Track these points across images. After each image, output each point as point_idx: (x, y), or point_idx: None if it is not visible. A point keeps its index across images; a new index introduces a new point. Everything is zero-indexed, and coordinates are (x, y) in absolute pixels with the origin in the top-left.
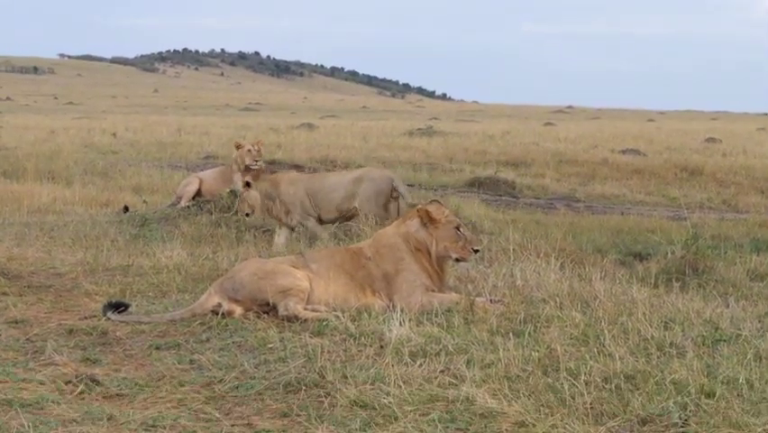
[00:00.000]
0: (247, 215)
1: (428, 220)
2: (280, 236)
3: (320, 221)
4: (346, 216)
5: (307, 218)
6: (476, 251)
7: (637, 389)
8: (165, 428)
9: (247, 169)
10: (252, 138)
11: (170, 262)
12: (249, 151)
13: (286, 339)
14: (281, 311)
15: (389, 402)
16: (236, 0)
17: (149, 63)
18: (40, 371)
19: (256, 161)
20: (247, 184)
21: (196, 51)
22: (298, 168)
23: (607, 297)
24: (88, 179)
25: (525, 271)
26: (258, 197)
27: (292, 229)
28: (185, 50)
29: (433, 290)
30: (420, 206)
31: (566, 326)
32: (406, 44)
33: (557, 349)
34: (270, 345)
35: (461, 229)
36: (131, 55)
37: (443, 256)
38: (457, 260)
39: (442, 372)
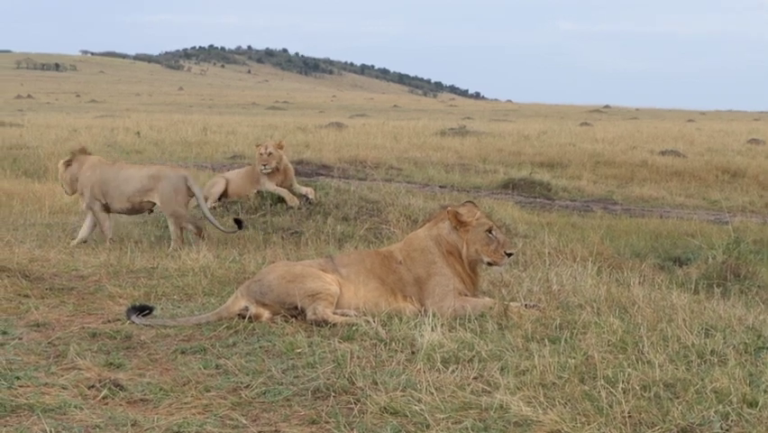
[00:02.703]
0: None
1: (457, 223)
2: (86, 223)
3: (109, 210)
4: (137, 209)
5: (94, 203)
6: (509, 254)
7: (677, 397)
8: None
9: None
10: (278, 138)
11: (196, 265)
12: (261, 154)
13: (314, 344)
14: (310, 315)
15: (421, 410)
16: None
17: (173, 60)
18: (62, 375)
19: (265, 164)
20: (67, 162)
21: (223, 48)
22: (327, 168)
23: (645, 303)
24: None
25: (560, 276)
26: (69, 176)
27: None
28: (211, 46)
29: (465, 295)
30: (450, 207)
31: (603, 332)
32: (439, 42)
33: (594, 356)
34: (299, 350)
35: (493, 232)
36: (155, 52)
37: (474, 260)
38: (489, 264)
39: (475, 378)
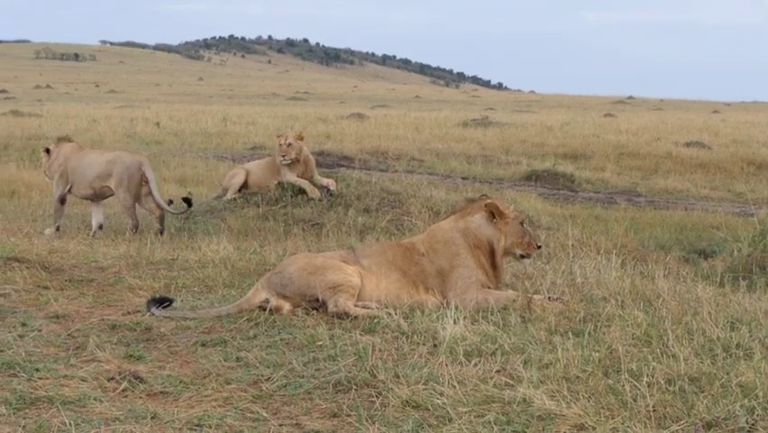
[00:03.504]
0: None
1: (499, 214)
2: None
3: (87, 197)
4: (99, 195)
5: (59, 189)
6: (539, 247)
7: (702, 391)
8: (211, 427)
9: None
10: (298, 129)
11: (216, 256)
12: (280, 145)
13: (336, 337)
14: (331, 308)
15: (443, 403)
16: None
17: (193, 50)
18: (81, 367)
19: (284, 155)
20: (46, 150)
21: (243, 38)
22: (348, 159)
23: (670, 295)
24: None
25: (584, 268)
26: (49, 164)
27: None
28: (231, 36)
29: (488, 287)
30: (489, 200)
31: (628, 325)
32: (462, 32)
33: (618, 349)
34: (320, 343)
35: (524, 225)
36: (175, 42)
37: (508, 253)
38: (522, 256)
39: (498, 372)
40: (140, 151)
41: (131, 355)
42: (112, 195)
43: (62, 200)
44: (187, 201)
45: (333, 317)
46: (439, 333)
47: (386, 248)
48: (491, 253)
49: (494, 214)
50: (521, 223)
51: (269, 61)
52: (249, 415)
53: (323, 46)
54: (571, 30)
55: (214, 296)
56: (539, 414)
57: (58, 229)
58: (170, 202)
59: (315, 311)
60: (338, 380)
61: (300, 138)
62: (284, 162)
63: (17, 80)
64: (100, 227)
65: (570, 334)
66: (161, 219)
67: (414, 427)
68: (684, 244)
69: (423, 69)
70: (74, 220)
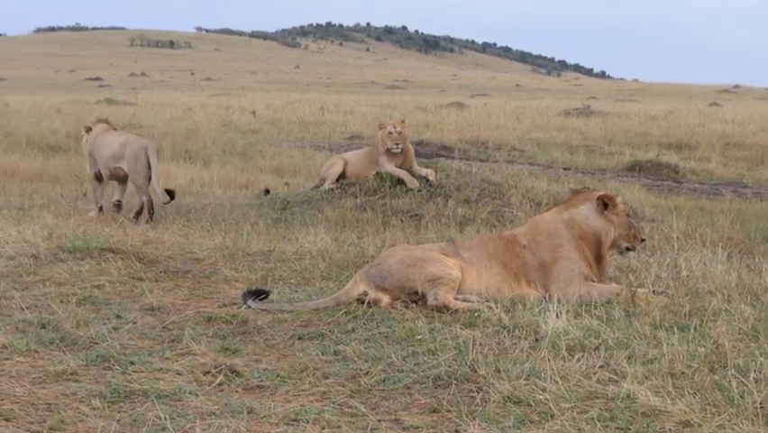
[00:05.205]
0: None
1: (613, 206)
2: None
3: (106, 177)
4: (114, 176)
5: (92, 168)
6: (643, 240)
7: None
8: (308, 422)
9: (389, 151)
10: (398, 118)
11: (314, 248)
12: (390, 133)
13: (435, 330)
14: (431, 301)
15: (545, 399)
16: None
17: (290, 38)
18: (177, 360)
19: (397, 143)
20: (88, 129)
21: (341, 26)
22: (447, 149)
23: None
24: (227, 159)
25: (689, 261)
26: (84, 143)
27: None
28: (328, 24)
29: (592, 280)
30: (602, 192)
31: (734, 320)
32: (563, 19)
33: (725, 345)
34: (419, 337)
35: (630, 217)
36: (271, 29)
37: (615, 245)
38: (628, 249)
39: (601, 367)
40: (236, 140)
41: (227, 349)
42: (127, 176)
43: (98, 178)
44: (170, 193)
45: (432, 310)
46: (541, 327)
47: (486, 240)
48: (597, 246)
49: (606, 205)
50: (627, 215)
51: (368, 49)
52: (347, 410)
53: (422, 33)
54: (676, 17)
55: (311, 288)
56: (643, 410)
57: (101, 210)
58: (267, 192)
59: (414, 304)
60: (438, 374)
61: (403, 126)
62: (396, 151)
63: (112, 68)
64: (118, 204)
65: (675, 328)
66: (151, 206)
67: (515, 423)
68: None
69: (524, 57)
70: (168, 210)
